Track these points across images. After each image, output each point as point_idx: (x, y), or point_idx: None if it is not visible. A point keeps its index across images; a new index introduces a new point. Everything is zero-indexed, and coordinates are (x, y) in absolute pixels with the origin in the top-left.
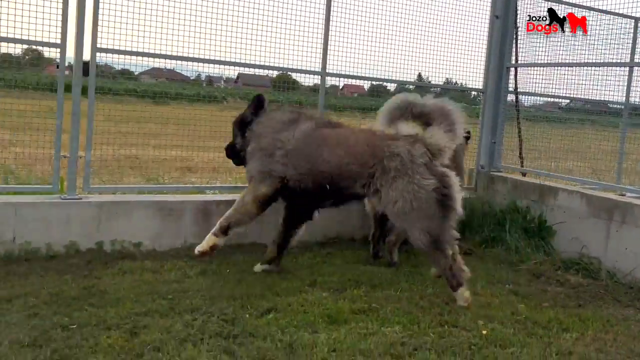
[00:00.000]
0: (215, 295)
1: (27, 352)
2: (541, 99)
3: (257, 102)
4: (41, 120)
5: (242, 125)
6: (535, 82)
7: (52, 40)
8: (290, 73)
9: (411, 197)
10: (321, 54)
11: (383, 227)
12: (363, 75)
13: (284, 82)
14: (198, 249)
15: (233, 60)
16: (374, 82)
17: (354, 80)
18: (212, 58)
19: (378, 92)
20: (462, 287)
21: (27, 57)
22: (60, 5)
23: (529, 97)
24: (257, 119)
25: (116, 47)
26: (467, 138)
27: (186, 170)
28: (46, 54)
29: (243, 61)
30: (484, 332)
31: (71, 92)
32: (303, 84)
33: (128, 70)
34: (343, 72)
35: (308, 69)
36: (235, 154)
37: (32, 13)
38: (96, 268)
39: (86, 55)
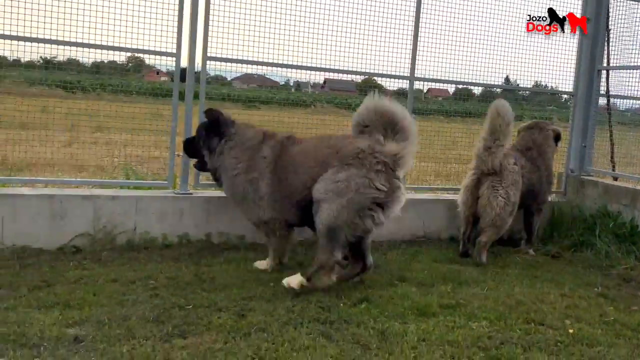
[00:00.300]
0: None
1: (152, 326)
2: (637, 102)
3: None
4: (150, 123)
5: (208, 132)
6: (630, 85)
7: (169, 50)
8: (376, 78)
9: (355, 187)
10: (409, 59)
11: (475, 227)
12: (451, 79)
13: (369, 86)
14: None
15: (322, 66)
16: (459, 86)
17: (438, 84)
18: (316, 65)
19: (463, 95)
20: (301, 279)
21: (130, 64)
22: (176, 19)
23: (624, 100)
24: (227, 145)
25: (222, 56)
26: (557, 140)
27: None
28: (147, 61)
29: (331, 67)
30: (571, 331)
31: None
32: (388, 88)
33: (221, 76)
34: (431, 77)
35: (394, 73)
36: (195, 152)
37: (153, 26)
38: (206, 257)
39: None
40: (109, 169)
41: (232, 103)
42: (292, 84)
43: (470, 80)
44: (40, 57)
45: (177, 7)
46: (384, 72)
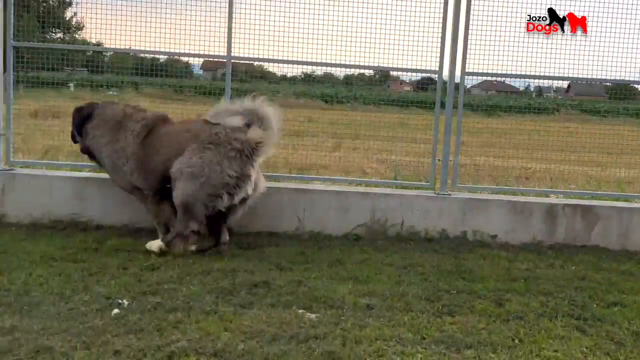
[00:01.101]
0: (563, 285)
1: (425, 303)
2: None
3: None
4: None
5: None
6: None
7: (432, 68)
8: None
9: (209, 165)
10: None
11: None
12: None
13: (623, 90)
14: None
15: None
16: None
17: None
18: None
19: None
20: (161, 244)
21: (376, 76)
22: (438, 43)
23: None
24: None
25: (479, 71)
26: None
27: (524, 178)
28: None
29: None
30: None
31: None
32: None
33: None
34: None
35: None
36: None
37: (420, 49)
38: (462, 251)
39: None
40: (378, 170)
41: (472, 111)
42: (532, 90)
43: None
44: (302, 72)
45: (440, 34)
46: None
